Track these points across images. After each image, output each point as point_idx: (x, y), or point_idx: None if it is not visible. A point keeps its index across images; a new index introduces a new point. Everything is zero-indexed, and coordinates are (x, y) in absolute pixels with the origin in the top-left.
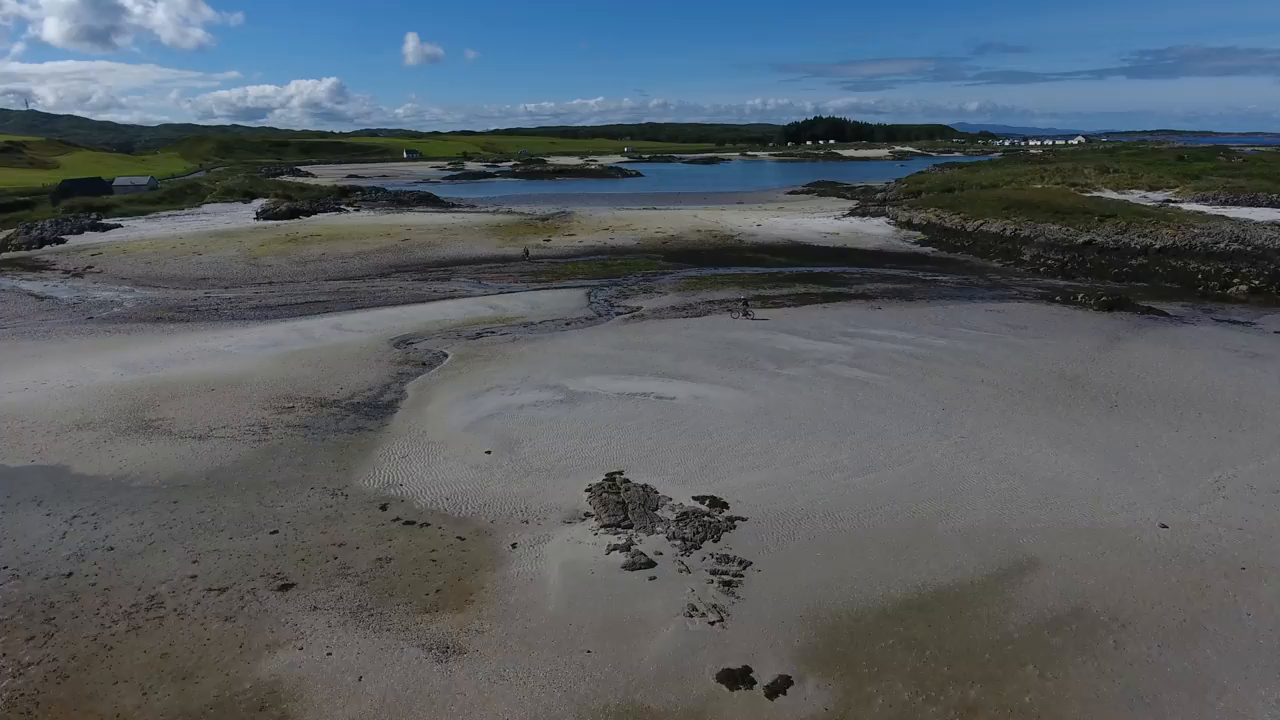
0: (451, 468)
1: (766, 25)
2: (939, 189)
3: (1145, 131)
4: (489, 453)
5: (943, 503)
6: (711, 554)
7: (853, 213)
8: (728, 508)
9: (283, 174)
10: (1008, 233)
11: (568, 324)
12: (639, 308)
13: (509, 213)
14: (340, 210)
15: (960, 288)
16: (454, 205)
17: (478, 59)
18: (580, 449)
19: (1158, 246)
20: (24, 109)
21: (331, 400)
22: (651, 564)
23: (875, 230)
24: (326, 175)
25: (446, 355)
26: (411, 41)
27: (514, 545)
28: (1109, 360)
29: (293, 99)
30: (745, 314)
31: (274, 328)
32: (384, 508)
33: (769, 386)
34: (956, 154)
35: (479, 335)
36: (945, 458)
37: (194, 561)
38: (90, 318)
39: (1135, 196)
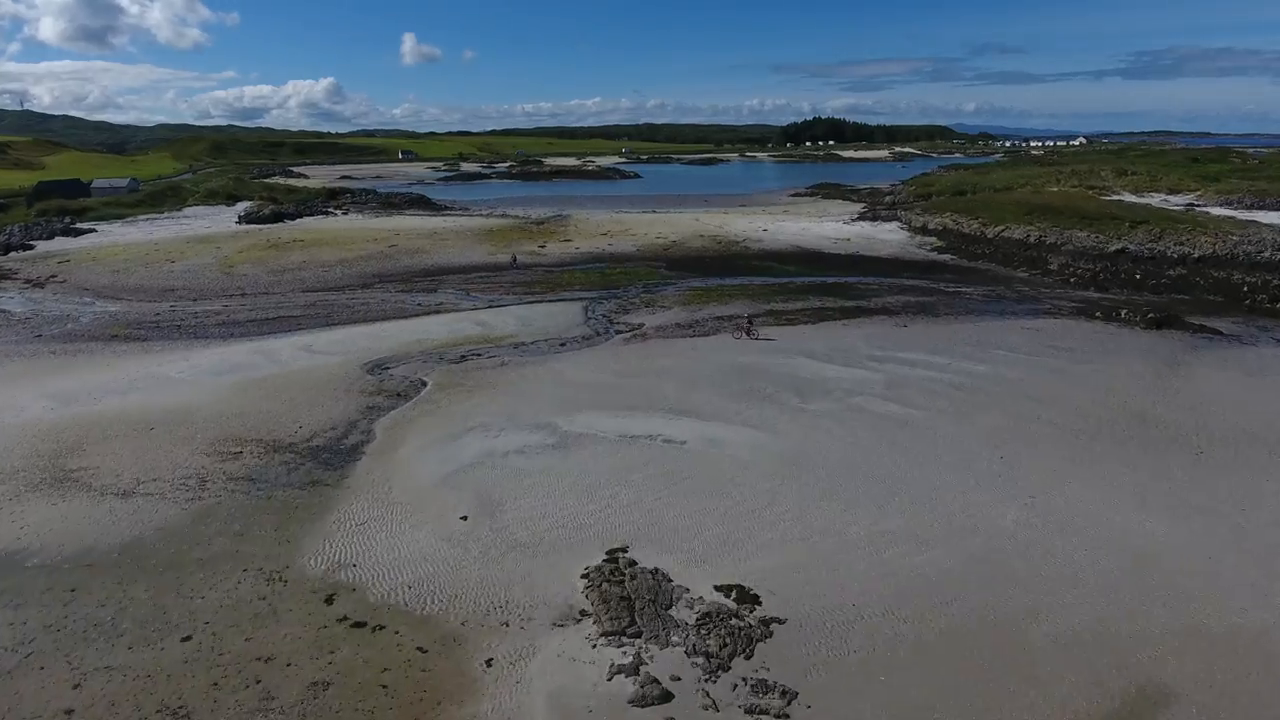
0: (419, 540)
1: (763, 26)
2: (950, 192)
3: (1144, 132)
4: (465, 518)
5: (1028, 595)
6: (745, 678)
7: (862, 217)
8: (759, 603)
9: (275, 175)
10: (1031, 239)
11: (562, 344)
12: (640, 324)
13: (503, 216)
14: (327, 213)
15: (987, 301)
16: (446, 208)
17: (475, 59)
18: (575, 513)
19: (1196, 256)
20: (19, 109)
21: (286, 443)
22: (668, 696)
23: (888, 236)
24: (319, 176)
25: (425, 384)
26: (409, 42)
27: (489, 662)
28: (1175, 391)
29: (289, 99)
30: (749, 334)
31: (237, 349)
32: (330, 600)
33: (793, 426)
34: (957, 155)
35: (463, 358)
36: (1018, 526)
37: (76, 686)
38: (39, 336)
39: (1156, 200)
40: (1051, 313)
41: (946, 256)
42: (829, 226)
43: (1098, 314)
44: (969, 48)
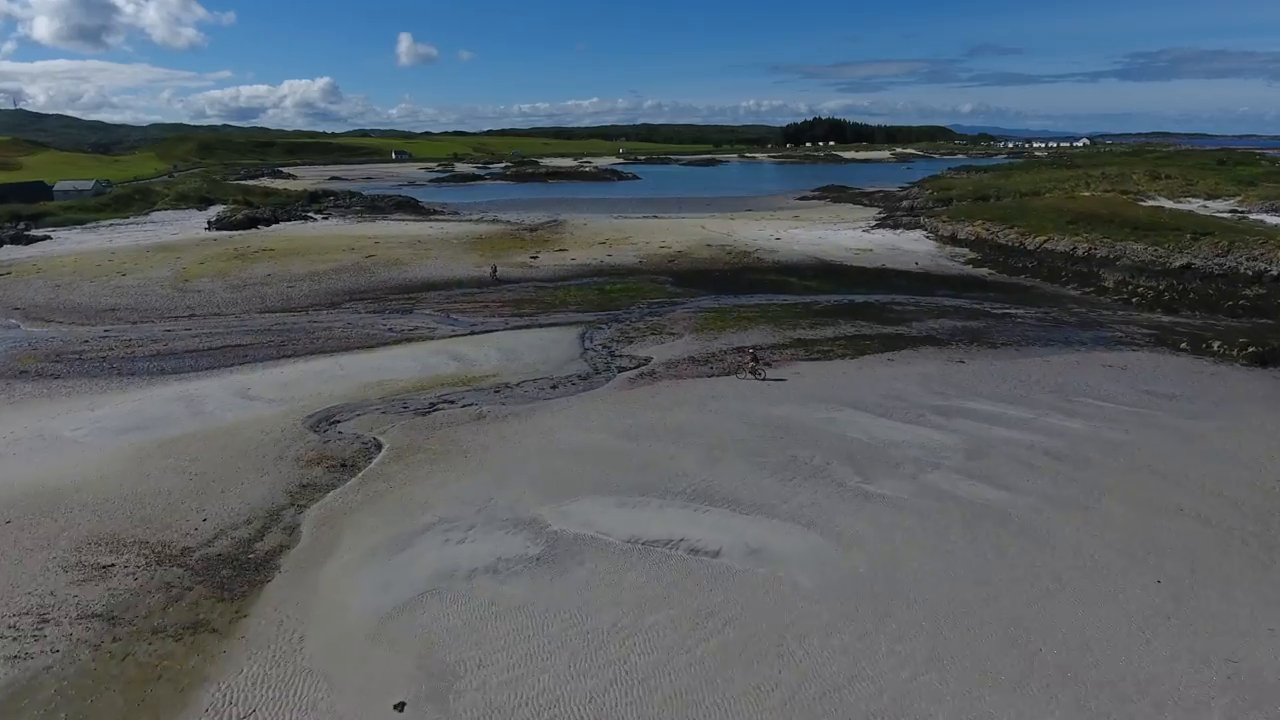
0: None
1: (759, 26)
2: (972, 196)
3: (1142, 134)
4: (401, 707)
5: None
6: None
7: (881, 224)
8: None
9: (263, 175)
10: (1080, 252)
11: (554, 386)
12: (648, 359)
13: (494, 222)
14: (307, 219)
15: (1045, 326)
16: (435, 212)
17: (472, 59)
18: (567, 696)
19: (1275, 273)
20: (12, 108)
21: (179, 548)
22: None
23: (914, 246)
24: (309, 177)
25: (380, 447)
26: (405, 42)
27: None
28: None
29: (286, 99)
30: (756, 373)
31: (158, 393)
32: None
33: (860, 522)
34: (960, 156)
35: (432, 407)
36: None
37: None
38: None
39: (1195, 205)
40: (1126, 342)
41: (984, 271)
42: (846, 235)
43: (1183, 345)
44: (965, 48)
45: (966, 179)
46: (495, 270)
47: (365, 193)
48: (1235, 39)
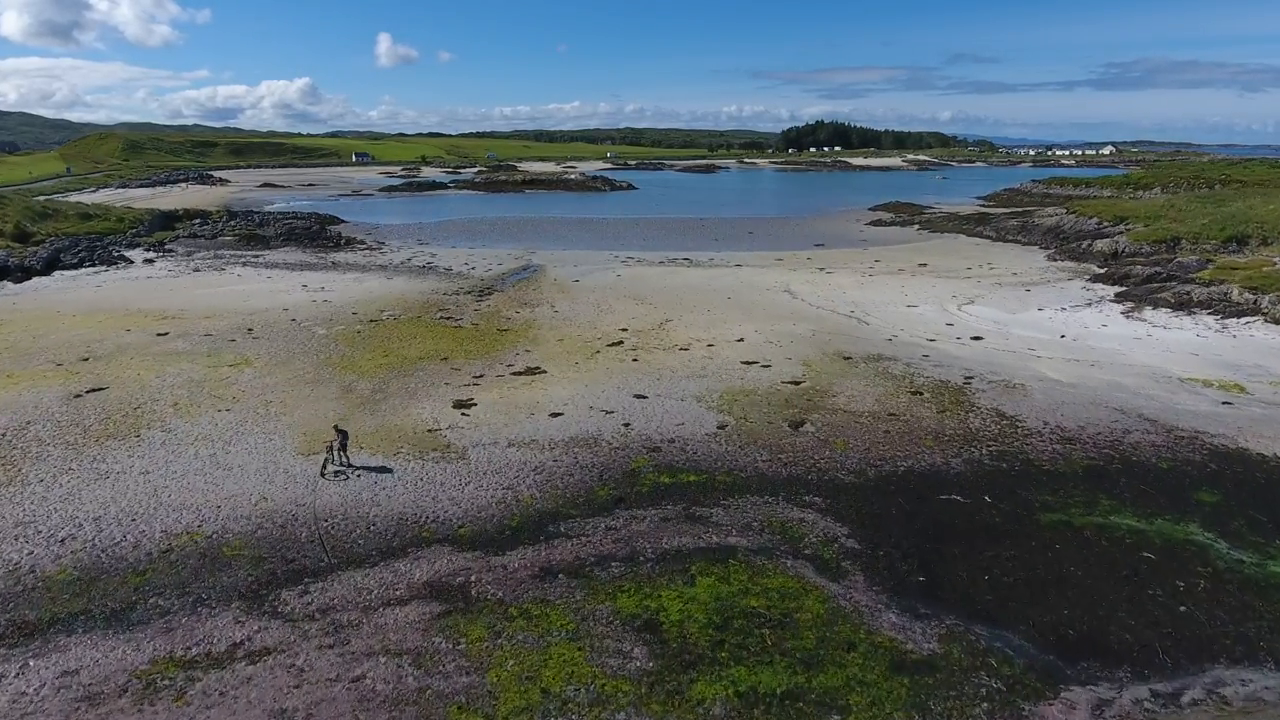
0: None
1: (741, 32)
2: (1218, 239)
3: (1131, 141)
4: None
5: None
6: None
7: (1134, 298)
8: None
9: (184, 180)
10: None
11: None
12: None
13: (428, 269)
14: (119, 262)
15: None
16: (350, 244)
17: (452, 61)
18: None
19: None
20: None
21: None
22: None
23: None
24: (240, 182)
25: None
26: (384, 42)
27: None
28: None
29: (263, 99)
30: None
31: None
32: None
33: None
34: (979, 164)
35: None
36: None
37: None
38: None
39: None
40: None
41: None
42: (1101, 324)
43: None
44: (943, 56)
45: (1138, 205)
46: (328, 462)
47: (272, 208)
48: (1206, 50)
